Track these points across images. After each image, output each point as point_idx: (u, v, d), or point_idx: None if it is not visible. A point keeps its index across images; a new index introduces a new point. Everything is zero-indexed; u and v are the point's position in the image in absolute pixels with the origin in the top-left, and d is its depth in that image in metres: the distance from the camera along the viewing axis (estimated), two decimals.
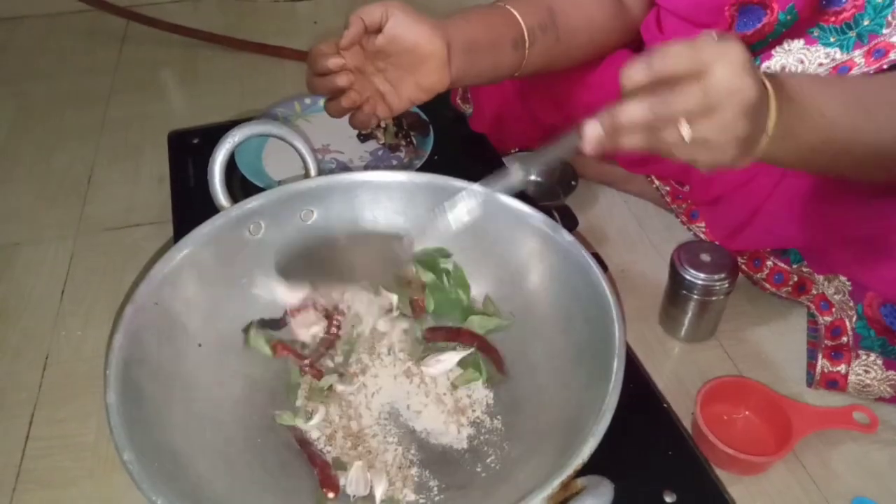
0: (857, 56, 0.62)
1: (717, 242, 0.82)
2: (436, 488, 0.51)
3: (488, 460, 0.53)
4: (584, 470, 0.43)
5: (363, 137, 0.91)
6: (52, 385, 0.76)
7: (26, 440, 0.70)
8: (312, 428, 0.56)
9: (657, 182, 0.88)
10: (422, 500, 0.50)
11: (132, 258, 0.90)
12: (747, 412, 0.69)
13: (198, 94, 1.24)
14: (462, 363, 0.60)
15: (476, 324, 0.63)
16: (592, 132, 0.43)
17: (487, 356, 0.61)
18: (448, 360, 0.60)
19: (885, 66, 0.60)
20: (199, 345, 0.57)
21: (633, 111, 0.41)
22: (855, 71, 0.62)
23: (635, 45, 0.82)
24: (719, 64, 0.40)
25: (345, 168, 0.87)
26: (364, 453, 0.54)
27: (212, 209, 0.62)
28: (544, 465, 0.45)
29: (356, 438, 0.55)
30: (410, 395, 0.59)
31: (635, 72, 0.41)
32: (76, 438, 0.70)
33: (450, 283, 0.65)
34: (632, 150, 0.43)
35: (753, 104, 0.41)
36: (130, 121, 1.18)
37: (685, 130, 0.40)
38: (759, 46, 0.68)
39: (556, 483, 0.40)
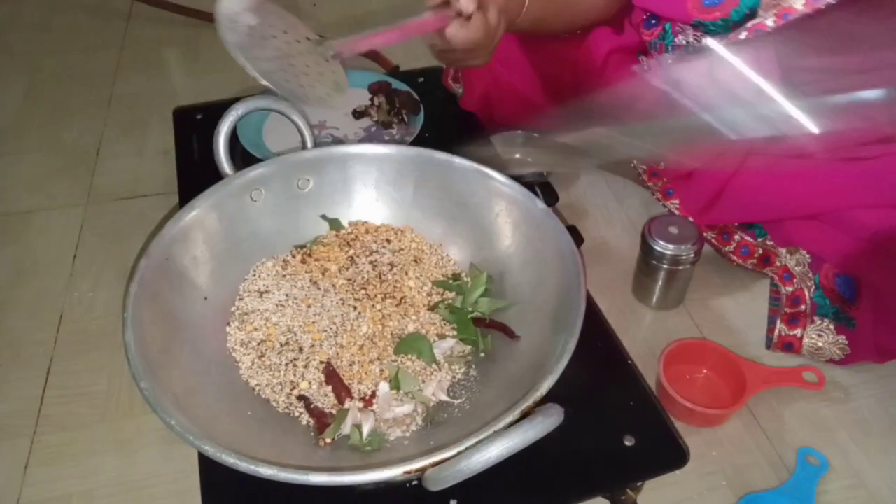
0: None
1: (690, 218, 0.88)
2: (416, 426, 0.57)
3: (462, 401, 0.59)
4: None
5: (357, 115, 0.96)
6: (67, 341, 0.81)
7: (44, 389, 0.76)
8: None
9: (635, 161, 0.94)
10: (404, 435, 0.56)
11: (139, 226, 0.96)
12: (706, 371, 0.75)
13: (200, 73, 1.29)
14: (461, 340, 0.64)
15: (485, 305, 0.66)
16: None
17: (497, 331, 0.64)
18: (448, 341, 0.63)
19: None
20: (206, 298, 0.62)
21: None
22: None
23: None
24: None
25: (339, 143, 0.93)
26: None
27: (215, 181, 0.66)
28: (511, 402, 0.51)
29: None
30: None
31: None
32: (90, 388, 0.76)
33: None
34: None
35: None
36: (136, 97, 1.22)
37: None
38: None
39: (517, 411, 0.46)
